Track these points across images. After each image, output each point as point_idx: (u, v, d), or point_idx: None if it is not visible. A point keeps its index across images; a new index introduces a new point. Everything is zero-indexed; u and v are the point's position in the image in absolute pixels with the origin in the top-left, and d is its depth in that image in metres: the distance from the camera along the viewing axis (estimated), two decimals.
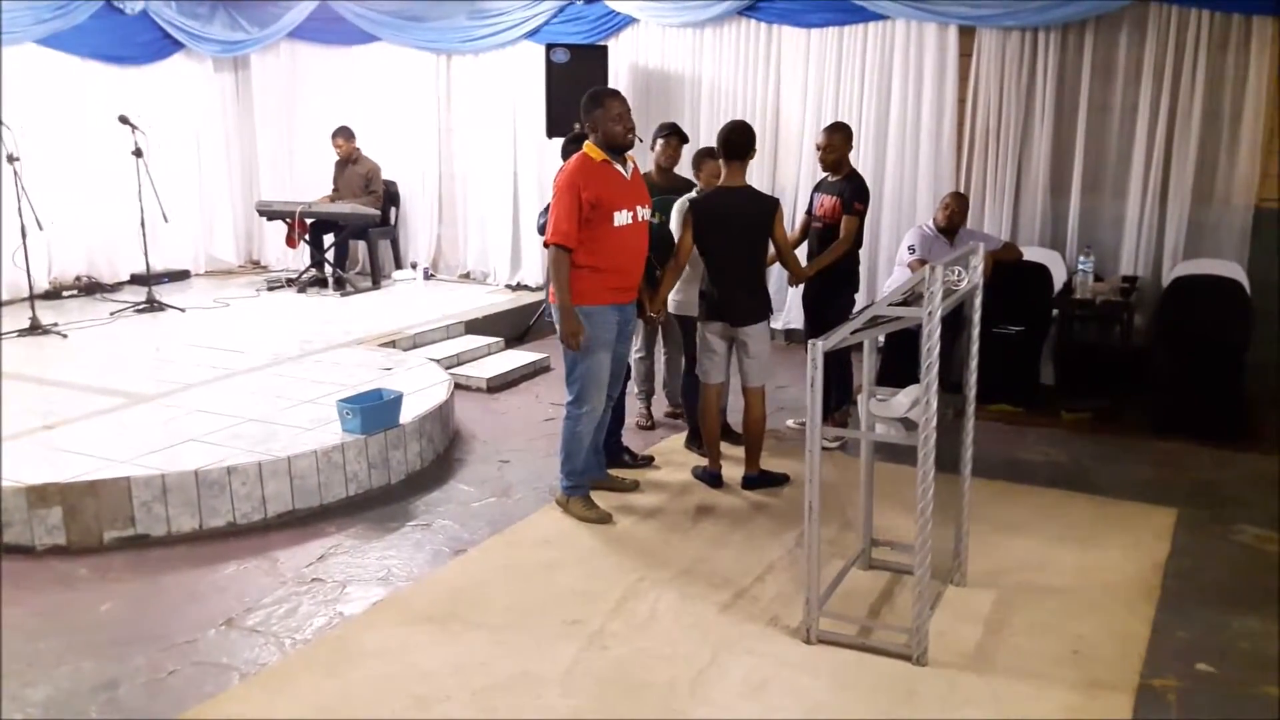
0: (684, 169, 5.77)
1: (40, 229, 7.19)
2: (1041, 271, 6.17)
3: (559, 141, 5.11)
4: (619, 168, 4.39)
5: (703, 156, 5.27)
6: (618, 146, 4.37)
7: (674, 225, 5.13)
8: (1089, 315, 6.51)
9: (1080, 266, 6.48)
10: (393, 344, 6.91)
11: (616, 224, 4.33)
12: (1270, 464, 5.29)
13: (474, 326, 7.65)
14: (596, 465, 4.84)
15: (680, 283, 5.16)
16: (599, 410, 4.56)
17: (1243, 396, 5.73)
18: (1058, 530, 4.45)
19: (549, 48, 8.00)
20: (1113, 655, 3.43)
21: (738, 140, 4.76)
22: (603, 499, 4.70)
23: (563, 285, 4.29)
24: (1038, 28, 6.86)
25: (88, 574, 4.05)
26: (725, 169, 4.82)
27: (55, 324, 7.17)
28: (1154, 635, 3.57)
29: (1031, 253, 6.52)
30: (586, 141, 4.42)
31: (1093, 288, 6.34)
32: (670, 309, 5.30)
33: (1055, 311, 6.38)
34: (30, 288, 7.32)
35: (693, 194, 5.18)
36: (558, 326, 4.36)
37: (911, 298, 3.41)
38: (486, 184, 9.20)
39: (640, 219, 4.45)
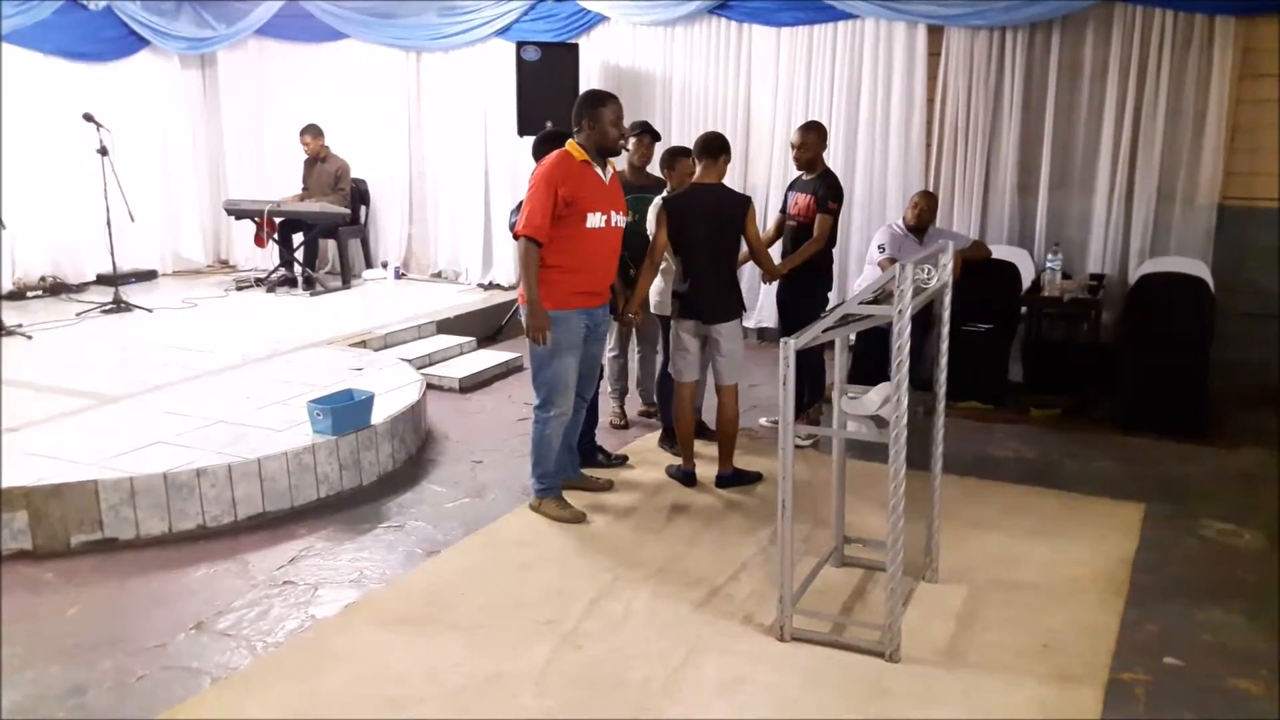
0: (656, 167, 5.77)
1: (3, 228, 7.09)
2: (1010, 270, 6.23)
3: (530, 140, 5.09)
4: (599, 170, 4.38)
5: (674, 155, 5.27)
6: (609, 150, 4.39)
7: (651, 224, 5.12)
8: (1057, 313, 6.59)
9: (1048, 264, 6.55)
10: (363, 344, 6.87)
11: (589, 225, 4.32)
12: (1234, 459, 5.38)
13: (446, 326, 7.63)
14: (570, 464, 4.84)
15: (662, 281, 5.17)
16: (567, 413, 4.55)
17: (1207, 392, 5.81)
18: (1027, 526, 4.50)
19: (520, 45, 7.98)
20: (1082, 649, 3.47)
21: (712, 140, 4.83)
22: (577, 498, 4.70)
23: (531, 279, 4.28)
24: (1005, 27, 6.93)
25: (54, 579, 4.00)
26: (699, 167, 4.84)
27: (20, 325, 7.07)
28: (1122, 629, 3.61)
29: (1000, 251, 6.58)
30: (570, 140, 4.40)
31: (1060, 285, 6.41)
32: (651, 308, 5.30)
33: (1024, 309, 6.45)
34: None
35: (666, 193, 5.19)
36: (524, 321, 4.35)
37: (882, 296, 3.43)
38: (457, 182, 9.17)
39: (614, 224, 4.44)
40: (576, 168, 4.32)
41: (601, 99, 4.38)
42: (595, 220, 4.33)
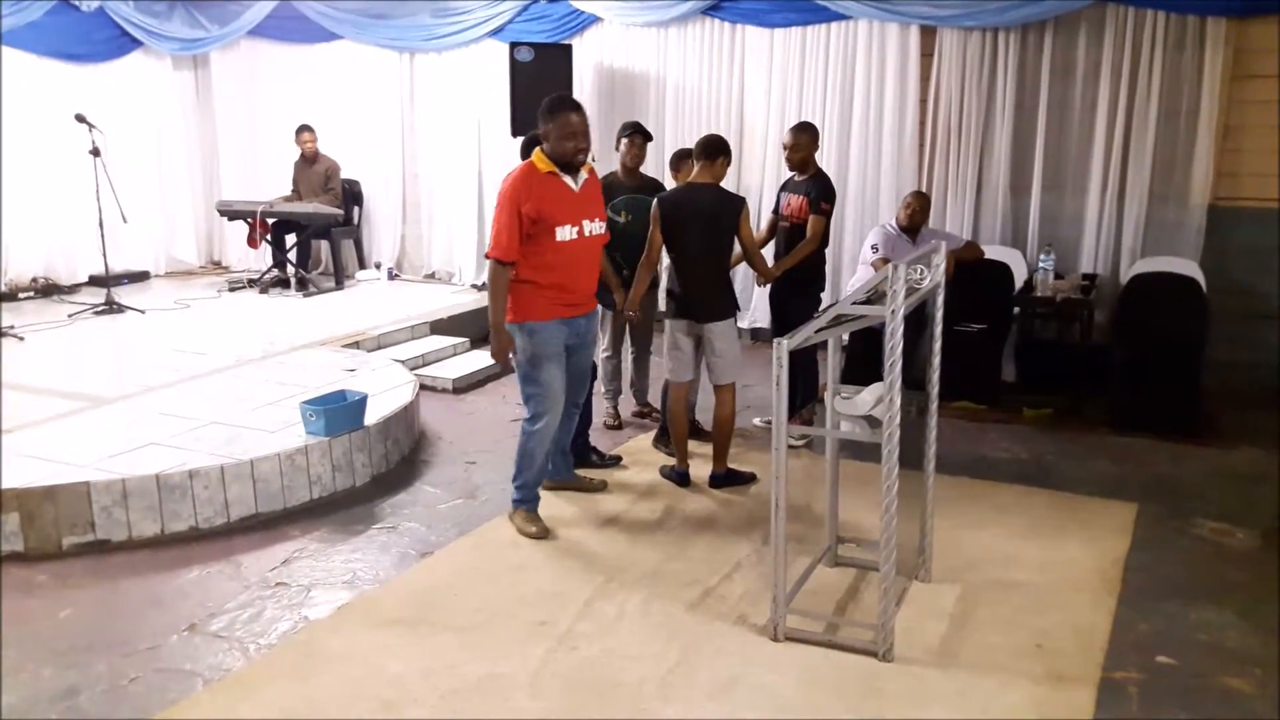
0: (650, 168, 5.78)
1: None
2: (1002, 270, 6.24)
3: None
4: (567, 180, 4.20)
5: (681, 158, 5.30)
6: (563, 164, 4.17)
7: None
8: (1049, 313, 6.60)
9: (1041, 264, 6.54)
10: (357, 345, 6.86)
11: (559, 239, 4.15)
12: (1227, 458, 5.40)
13: (439, 327, 7.62)
14: (565, 465, 4.83)
15: None
16: (554, 423, 4.44)
17: (1200, 392, 5.83)
18: (1020, 525, 4.51)
19: (513, 46, 7.98)
20: (1075, 649, 3.48)
21: (711, 143, 4.85)
22: (571, 499, 4.70)
23: (497, 302, 4.17)
24: (998, 28, 6.93)
25: (47, 581, 3.99)
26: (696, 167, 4.85)
27: (11, 327, 7.05)
28: (1115, 628, 3.62)
29: (993, 251, 6.59)
30: (537, 149, 4.25)
31: (1053, 285, 6.41)
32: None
33: (1016, 309, 6.45)
34: None
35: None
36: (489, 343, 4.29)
37: (875, 296, 3.44)
38: (451, 183, 9.16)
39: (589, 233, 4.27)
40: (541, 180, 4.14)
41: (556, 109, 4.13)
42: (565, 233, 4.17)
